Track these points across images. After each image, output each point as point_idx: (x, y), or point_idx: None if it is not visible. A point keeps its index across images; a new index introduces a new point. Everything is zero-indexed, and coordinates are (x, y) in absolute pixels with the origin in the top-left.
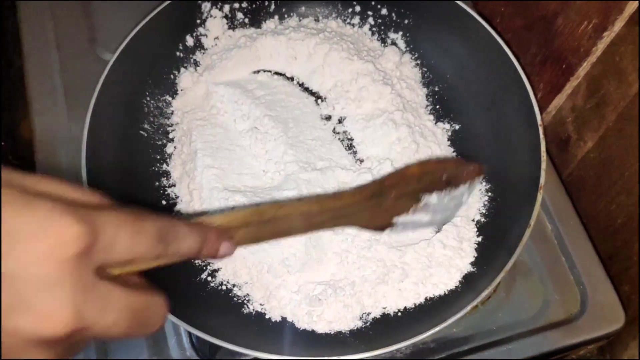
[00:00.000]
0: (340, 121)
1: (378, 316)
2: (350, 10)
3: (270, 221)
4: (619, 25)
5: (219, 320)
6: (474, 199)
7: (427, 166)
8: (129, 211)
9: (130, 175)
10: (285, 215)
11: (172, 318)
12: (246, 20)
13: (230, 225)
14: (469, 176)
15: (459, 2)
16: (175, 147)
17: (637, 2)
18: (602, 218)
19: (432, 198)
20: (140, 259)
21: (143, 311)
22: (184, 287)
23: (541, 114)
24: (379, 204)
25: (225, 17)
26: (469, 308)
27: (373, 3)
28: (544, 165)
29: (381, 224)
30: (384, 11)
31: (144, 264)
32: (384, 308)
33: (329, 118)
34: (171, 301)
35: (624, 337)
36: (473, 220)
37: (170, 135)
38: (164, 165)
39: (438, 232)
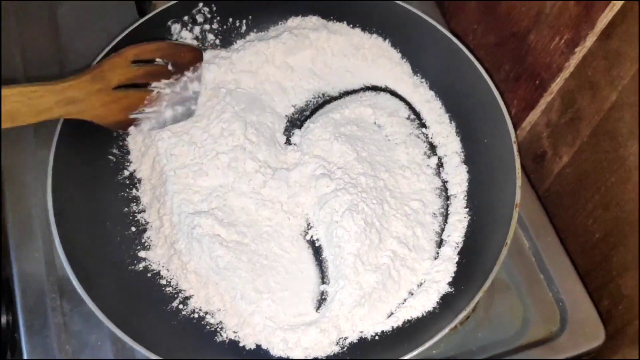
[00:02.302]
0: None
1: (355, 341)
2: None
3: None
4: (590, 40)
5: (191, 349)
6: (452, 218)
7: (143, 46)
8: None
9: (98, 201)
10: (5, 96)
11: (141, 350)
12: (217, 42)
13: None
14: (189, 58)
15: (430, 20)
16: (145, 172)
17: (608, 16)
18: (580, 233)
19: (165, 88)
20: None
21: None
22: (154, 316)
23: (516, 130)
24: (106, 89)
25: (196, 38)
26: (447, 330)
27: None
28: (519, 182)
29: (118, 119)
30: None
31: None
32: (361, 332)
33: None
34: (141, 331)
35: (605, 353)
36: (450, 240)
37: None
38: (134, 191)
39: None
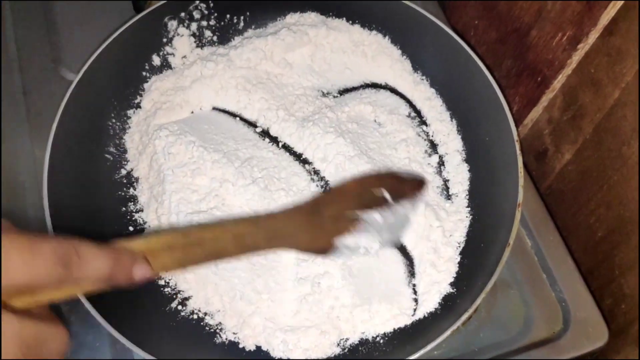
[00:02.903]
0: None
1: (356, 342)
2: None
3: (197, 244)
4: (593, 36)
5: (190, 351)
6: (453, 217)
7: (365, 181)
8: (25, 233)
9: (95, 201)
10: (214, 237)
11: (139, 352)
12: (214, 38)
13: (150, 249)
14: (411, 191)
15: (430, 17)
16: (142, 171)
17: (611, 13)
18: (582, 231)
19: (375, 216)
20: (41, 285)
21: (35, 342)
22: (152, 317)
23: (517, 127)
24: (317, 223)
25: (193, 35)
26: (449, 332)
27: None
28: (521, 182)
29: (322, 246)
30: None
31: (49, 293)
32: (362, 333)
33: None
34: (139, 333)
35: (608, 353)
36: (452, 240)
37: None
38: (131, 190)
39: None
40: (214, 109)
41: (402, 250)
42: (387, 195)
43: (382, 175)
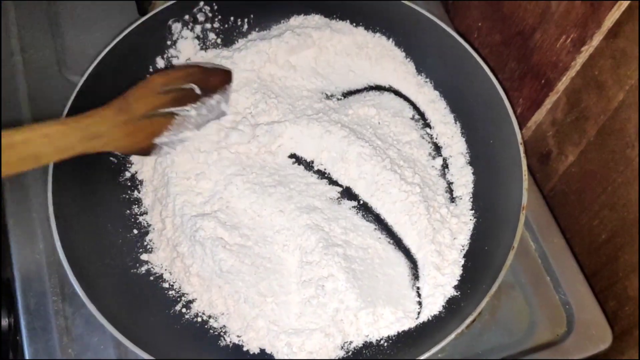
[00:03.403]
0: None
1: (360, 345)
2: None
3: (9, 147)
4: (597, 39)
5: (194, 354)
6: (457, 220)
7: (170, 74)
8: None
9: (99, 204)
10: (25, 140)
11: (143, 354)
12: (218, 41)
13: None
14: (218, 81)
15: (434, 19)
16: (146, 174)
17: (615, 15)
18: (586, 233)
19: (190, 111)
20: None
21: None
22: (157, 319)
23: (521, 129)
24: (130, 120)
25: (197, 37)
26: (453, 335)
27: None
28: (525, 184)
29: (142, 146)
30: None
31: None
32: (366, 336)
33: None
34: (144, 335)
35: (611, 355)
36: (456, 243)
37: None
38: (135, 193)
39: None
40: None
41: (406, 253)
42: (197, 89)
43: (186, 68)
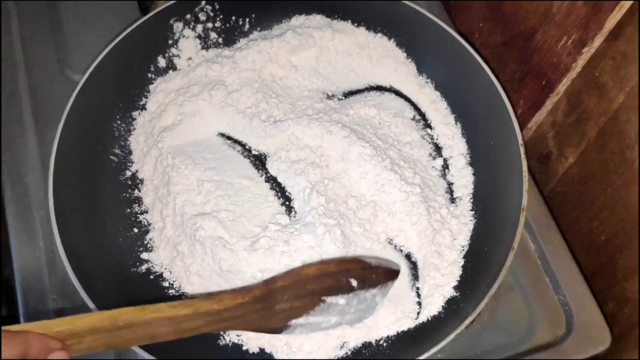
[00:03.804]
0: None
1: (359, 345)
2: None
3: (126, 327)
4: (598, 40)
5: (194, 353)
6: (457, 221)
7: (326, 267)
8: None
9: (100, 202)
10: (145, 322)
11: (143, 353)
12: (220, 40)
13: (73, 332)
14: (379, 279)
15: (435, 20)
16: (147, 172)
17: (616, 17)
18: (585, 235)
19: (338, 300)
20: None
21: None
22: None
23: (522, 130)
24: (269, 306)
25: (198, 37)
26: (452, 336)
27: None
28: (525, 186)
29: (275, 326)
30: None
31: None
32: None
33: None
34: None
35: (610, 356)
36: (456, 244)
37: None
38: (136, 191)
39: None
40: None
41: (406, 253)
42: (353, 283)
43: (346, 261)
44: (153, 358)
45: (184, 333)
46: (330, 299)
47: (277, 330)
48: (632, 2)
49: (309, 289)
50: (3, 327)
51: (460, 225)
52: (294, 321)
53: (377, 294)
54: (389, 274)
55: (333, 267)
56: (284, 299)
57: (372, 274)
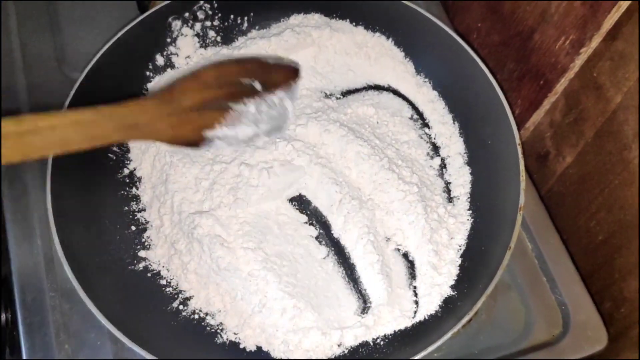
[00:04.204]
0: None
1: (357, 344)
2: None
3: (33, 132)
4: (596, 41)
5: (191, 351)
6: (455, 220)
7: (224, 68)
8: None
9: (97, 200)
10: (51, 125)
11: (140, 351)
12: (218, 39)
13: None
14: (282, 77)
15: (434, 19)
16: (145, 170)
17: (614, 17)
18: (583, 235)
19: (248, 107)
20: None
21: None
22: (153, 316)
23: (519, 130)
24: (176, 112)
25: (197, 35)
26: (449, 334)
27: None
28: (523, 185)
29: (190, 138)
30: None
31: None
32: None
33: None
34: (140, 332)
35: (607, 356)
36: (453, 243)
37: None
38: (134, 189)
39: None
40: None
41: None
42: (257, 85)
43: (242, 60)
44: (152, 357)
45: (95, 140)
46: (238, 107)
47: (194, 143)
48: (629, 2)
49: (213, 92)
50: None
51: (457, 225)
52: (209, 132)
53: (284, 97)
54: (290, 71)
55: (230, 66)
56: (189, 103)
57: (272, 73)
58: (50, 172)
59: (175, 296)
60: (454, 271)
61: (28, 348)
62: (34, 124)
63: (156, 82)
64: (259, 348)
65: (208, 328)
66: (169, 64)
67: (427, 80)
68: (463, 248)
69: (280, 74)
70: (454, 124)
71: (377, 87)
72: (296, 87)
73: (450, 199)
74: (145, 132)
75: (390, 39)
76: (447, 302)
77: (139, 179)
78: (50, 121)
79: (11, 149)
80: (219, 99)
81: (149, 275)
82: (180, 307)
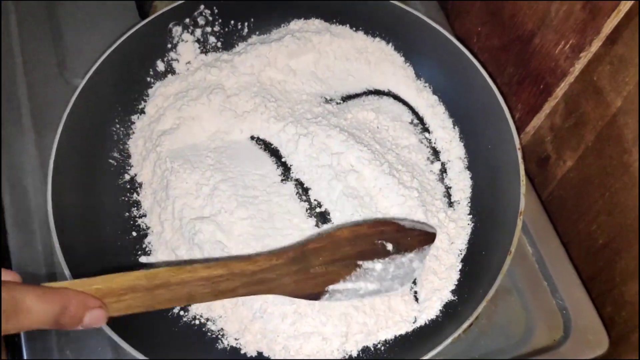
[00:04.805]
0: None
1: (358, 349)
2: None
3: (163, 286)
4: (596, 45)
5: (192, 356)
6: (455, 225)
7: (360, 229)
8: None
9: (98, 205)
10: (182, 281)
11: (142, 357)
12: (218, 44)
13: (111, 290)
14: (416, 242)
15: (433, 24)
16: (146, 176)
17: (614, 21)
18: (583, 239)
19: (375, 265)
20: None
21: None
22: (154, 322)
23: (519, 134)
24: (304, 269)
25: (197, 41)
26: (450, 339)
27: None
28: (523, 189)
29: (311, 292)
30: None
31: None
32: (364, 340)
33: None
34: (141, 337)
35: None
36: (454, 247)
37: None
38: (135, 195)
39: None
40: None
41: None
42: (389, 246)
43: (380, 223)
44: None
45: (221, 295)
46: (366, 264)
47: (315, 296)
48: (629, 6)
49: (344, 252)
50: (42, 284)
51: (458, 229)
52: (331, 287)
53: (414, 259)
54: (425, 237)
55: (366, 229)
56: (318, 262)
57: (407, 237)
58: (52, 178)
59: None
60: (455, 276)
61: (29, 352)
62: (166, 280)
63: (157, 88)
64: (260, 353)
65: (209, 334)
66: (170, 70)
67: (427, 84)
68: (463, 253)
69: (415, 239)
70: (454, 128)
71: (377, 92)
72: (428, 250)
73: (450, 204)
74: (271, 287)
75: (390, 44)
76: (448, 307)
77: (140, 185)
78: (182, 277)
79: (138, 300)
80: (349, 259)
81: None
82: (181, 312)
